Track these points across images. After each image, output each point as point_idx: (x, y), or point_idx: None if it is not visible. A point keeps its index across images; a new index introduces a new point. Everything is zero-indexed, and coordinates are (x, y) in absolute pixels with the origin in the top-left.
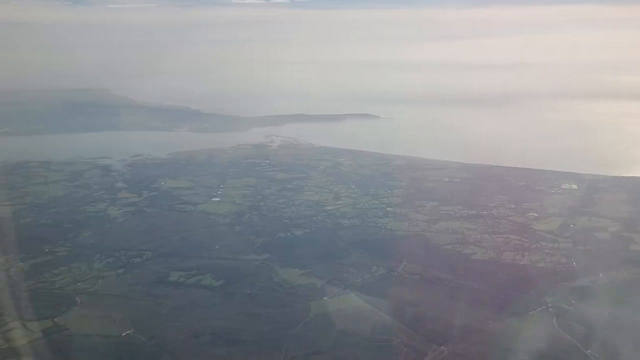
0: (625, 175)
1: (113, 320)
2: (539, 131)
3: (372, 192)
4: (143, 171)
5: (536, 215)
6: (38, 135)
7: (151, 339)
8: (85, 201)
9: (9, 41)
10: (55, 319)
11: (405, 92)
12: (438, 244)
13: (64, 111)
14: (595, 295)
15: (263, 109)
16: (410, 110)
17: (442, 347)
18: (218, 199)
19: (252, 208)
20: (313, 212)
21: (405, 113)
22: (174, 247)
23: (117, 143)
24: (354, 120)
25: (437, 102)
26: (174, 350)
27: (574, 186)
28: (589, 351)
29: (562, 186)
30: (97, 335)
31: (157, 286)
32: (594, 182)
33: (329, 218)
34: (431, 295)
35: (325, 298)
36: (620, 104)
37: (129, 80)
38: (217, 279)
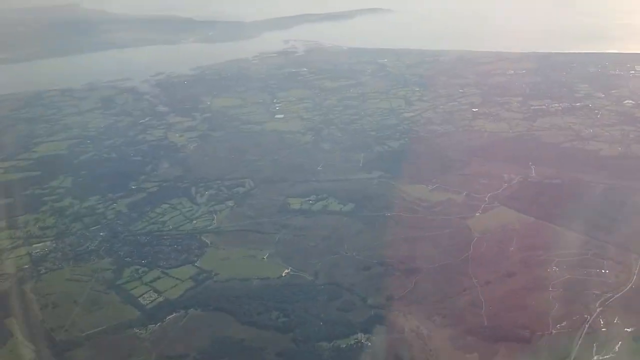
0: None
1: (260, 259)
2: (558, 13)
3: (443, 92)
4: (177, 91)
5: (632, 102)
6: (38, 60)
7: (317, 276)
8: (137, 129)
9: None
10: (196, 264)
11: None
12: (554, 142)
13: (49, 31)
14: None
15: (261, 11)
16: (419, 0)
17: None
18: (281, 115)
19: (326, 122)
20: (395, 121)
21: (415, 4)
22: (272, 172)
23: (128, 62)
24: (366, 16)
25: None
26: (352, 287)
27: None
28: None
29: (637, 68)
30: (256, 277)
31: (283, 216)
32: None
33: (417, 126)
34: (590, 200)
35: (477, 214)
36: None
37: None
38: (344, 203)
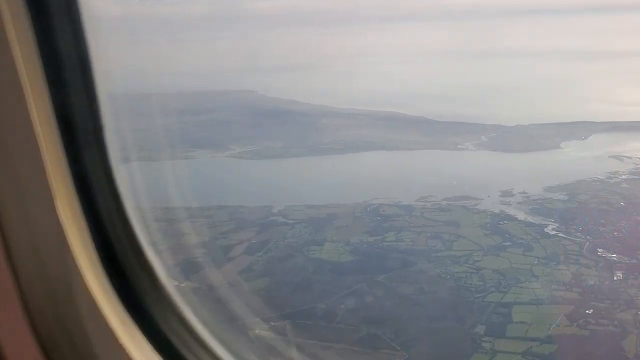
0: None
1: None
2: None
3: None
4: (576, 223)
5: None
6: (289, 158)
7: None
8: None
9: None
10: None
11: None
12: None
13: (254, 120)
14: None
15: (510, 113)
16: None
17: None
18: None
19: None
20: None
21: None
22: None
23: (417, 173)
24: None
25: None
26: None
27: None
28: None
29: None
30: None
31: None
32: None
33: None
34: None
35: None
36: None
37: (256, 77)
38: None
